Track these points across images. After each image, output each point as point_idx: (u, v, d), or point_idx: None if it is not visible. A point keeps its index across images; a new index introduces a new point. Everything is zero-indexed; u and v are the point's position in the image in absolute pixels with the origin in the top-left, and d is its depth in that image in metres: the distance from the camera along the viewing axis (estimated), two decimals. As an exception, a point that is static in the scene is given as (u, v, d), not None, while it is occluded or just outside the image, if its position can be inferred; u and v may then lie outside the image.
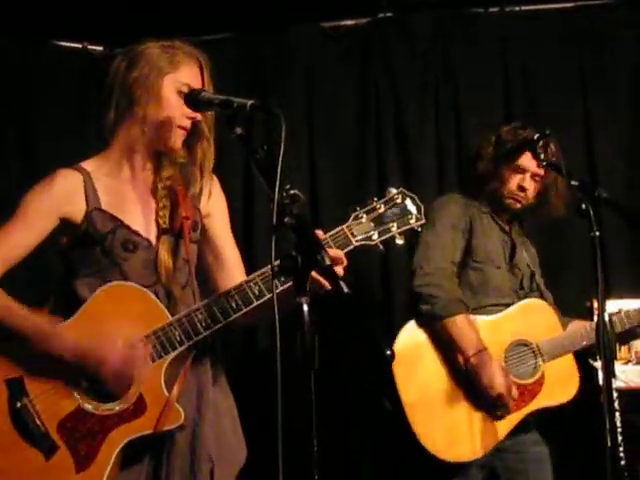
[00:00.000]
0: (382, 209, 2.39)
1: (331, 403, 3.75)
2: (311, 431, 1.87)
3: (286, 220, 1.94)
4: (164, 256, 2.46)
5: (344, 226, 2.38)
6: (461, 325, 3.27)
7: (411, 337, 3.32)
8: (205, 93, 2.37)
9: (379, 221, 2.38)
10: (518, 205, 3.49)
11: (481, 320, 3.35)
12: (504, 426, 3.26)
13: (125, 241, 2.44)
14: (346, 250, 2.36)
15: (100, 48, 4.66)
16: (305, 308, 1.87)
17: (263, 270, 2.37)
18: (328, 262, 1.89)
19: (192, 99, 2.39)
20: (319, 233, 2.31)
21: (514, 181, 3.47)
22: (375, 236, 2.38)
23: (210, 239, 2.62)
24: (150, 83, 2.46)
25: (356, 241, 2.37)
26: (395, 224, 2.39)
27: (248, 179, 4.41)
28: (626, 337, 3.50)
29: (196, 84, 2.47)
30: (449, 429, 3.23)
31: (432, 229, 3.32)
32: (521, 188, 3.46)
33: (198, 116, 2.46)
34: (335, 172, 4.55)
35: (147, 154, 2.52)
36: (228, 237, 2.67)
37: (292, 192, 1.98)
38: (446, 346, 3.29)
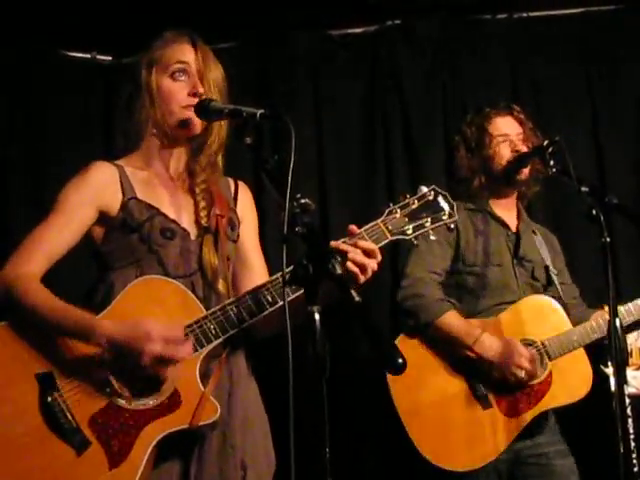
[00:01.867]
0: (415, 205, 2.40)
1: (342, 410, 3.74)
2: (323, 439, 1.87)
3: (297, 229, 1.96)
4: (209, 256, 2.47)
5: (379, 221, 2.38)
6: (450, 321, 3.26)
7: (403, 349, 3.28)
8: (214, 103, 2.38)
9: (413, 216, 2.40)
10: (524, 172, 3.43)
11: (477, 322, 3.32)
12: (512, 429, 3.22)
13: (163, 228, 2.44)
14: (381, 245, 2.36)
15: (109, 58, 4.68)
16: (316, 316, 1.87)
17: None
18: (339, 271, 1.90)
19: (201, 108, 2.40)
20: (353, 227, 2.33)
21: (505, 150, 3.44)
22: (410, 231, 2.39)
23: (239, 244, 2.63)
24: (144, 83, 2.50)
25: (392, 235, 2.37)
26: (429, 219, 2.41)
27: (257, 187, 4.41)
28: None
29: (188, 57, 2.49)
30: (452, 438, 3.21)
31: (413, 245, 3.29)
32: (516, 152, 3.42)
33: (199, 88, 2.45)
34: (343, 178, 4.55)
35: (175, 149, 2.54)
36: (255, 244, 2.69)
37: (303, 201, 1.99)
38: (443, 348, 3.28)
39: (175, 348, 2.26)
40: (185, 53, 2.51)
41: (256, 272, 2.63)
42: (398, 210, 2.39)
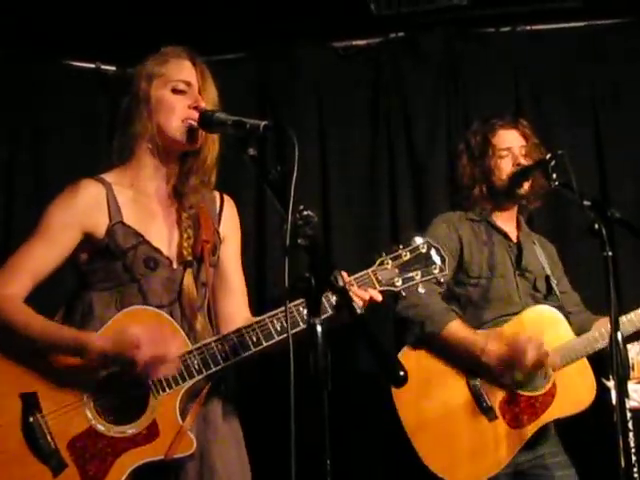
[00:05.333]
0: (407, 257, 2.43)
1: (343, 423, 3.74)
2: (324, 451, 1.87)
3: (299, 241, 1.96)
4: (189, 286, 2.47)
5: (369, 270, 2.41)
6: (456, 331, 3.24)
7: (407, 362, 3.19)
8: (218, 114, 2.38)
9: (404, 269, 2.43)
10: (524, 187, 3.43)
11: (481, 332, 3.29)
12: (516, 441, 3.20)
13: (147, 258, 2.44)
14: None
15: (113, 68, 4.70)
16: (318, 329, 1.87)
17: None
18: (341, 283, 1.90)
19: (205, 120, 2.40)
20: (344, 275, 2.30)
21: (506, 164, 3.43)
22: (399, 283, 2.43)
23: (220, 264, 2.63)
24: (143, 94, 2.49)
25: (380, 285, 2.41)
26: (419, 272, 2.44)
27: (260, 198, 4.43)
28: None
29: (189, 77, 2.49)
30: (457, 450, 3.19)
31: None
32: (518, 165, 3.41)
33: (201, 103, 2.45)
34: (346, 190, 4.56)
35: (166, 167, 2.53)
36: (237, 264, 2.68)
37: (305, 213, 1.99)
38: (449, 357, 3.26)
39: (165, 346, 2.28)
40: (186, 72, 2.51)
41: (236, 295, 2.64)
42: (390, 261, 2.42)
